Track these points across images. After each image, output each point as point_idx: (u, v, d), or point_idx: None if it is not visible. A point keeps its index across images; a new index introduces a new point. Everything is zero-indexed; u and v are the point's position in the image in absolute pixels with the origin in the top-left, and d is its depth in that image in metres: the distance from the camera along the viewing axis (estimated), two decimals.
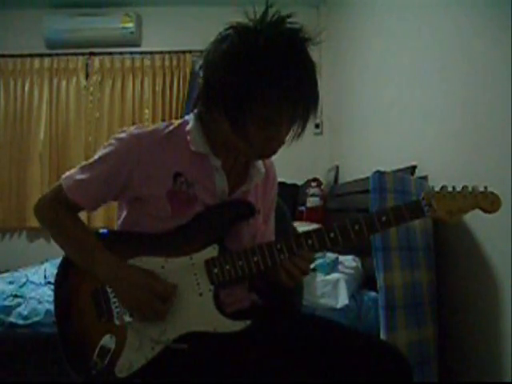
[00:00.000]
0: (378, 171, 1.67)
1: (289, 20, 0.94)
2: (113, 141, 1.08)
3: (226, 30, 0.98)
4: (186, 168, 1.07)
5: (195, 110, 1.10)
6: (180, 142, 1.08)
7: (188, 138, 1.07)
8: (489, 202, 1.03)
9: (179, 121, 1.13)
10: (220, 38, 0.98)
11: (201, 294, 1.03)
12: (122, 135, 1.07)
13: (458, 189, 1.05)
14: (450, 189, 1.04)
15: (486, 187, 1.05)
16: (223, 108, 0.96)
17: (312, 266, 1.05)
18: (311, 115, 0.98)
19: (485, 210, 1.04)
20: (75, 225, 1.10)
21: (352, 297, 1.86)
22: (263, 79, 0.91)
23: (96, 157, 1.09)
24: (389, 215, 1.02)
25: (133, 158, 1.04)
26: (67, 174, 1.11)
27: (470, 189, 1.04)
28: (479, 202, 1.03)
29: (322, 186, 3.39)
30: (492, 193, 1.04)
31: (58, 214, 1.09)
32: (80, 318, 1.05)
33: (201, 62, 1.02)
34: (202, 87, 1.01)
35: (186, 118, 1.13)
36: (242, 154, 1.09)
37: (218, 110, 0.98)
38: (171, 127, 1.10)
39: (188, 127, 1.09)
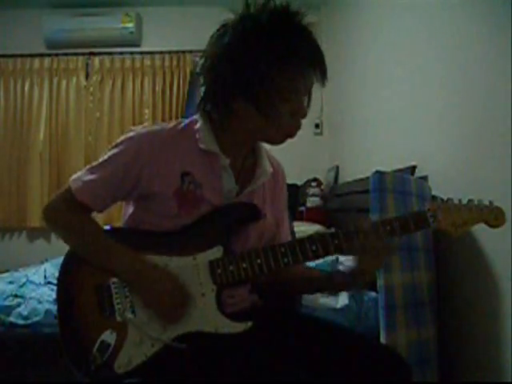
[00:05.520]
0: (377, 171, 1.67)
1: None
2: (121, 140, 1.07)
3: (219, 29, 1.03)
4: (194, 167, 1.06)
5: (201, 110, 1.10)
6: (189, 141, 1.07)
7: (197, 136, 1.07)
8: (493, 217, 1.03)
9: (187, 120, 1.12)
10: (219, 35, 1.02)
11: (203, 294, 1.02)
12: (131, 134, 1.07)
13: (464, 202, 1.05)
14: (455, 201, 1.04)
15: (491, 202, 1.05)
16: (246, 91, 0.98)
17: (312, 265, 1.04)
18: (326, 78, 1.02)
19: (489, 225, 1.04)
20: (86, 223, 1.09)
21: (352, 297, 1.86)
22: (281, 49, 0.95)
23: (105, 157, 1.08)
24: (393, 225, 1.02)
25: (142, 157, 1.04)
26: (75, 176, 1.10)
27: (475, 202, 1.04)
28: (484, 215, 1.03)
29: (322, 186, 3.39)
30: (497, 207, 1.04)
31: (68, 214, 1.08)
32: (82, 313, 1.04)
33: (201, 62, 1.04)
34: (210, 85, 1.03)
35: (195, 117, 1.12)
36: (268, 139, 1.08)
37: (239, 98, 0.99)
38: (179, 126, 1.10)
39: (197, 126, 1.09)
